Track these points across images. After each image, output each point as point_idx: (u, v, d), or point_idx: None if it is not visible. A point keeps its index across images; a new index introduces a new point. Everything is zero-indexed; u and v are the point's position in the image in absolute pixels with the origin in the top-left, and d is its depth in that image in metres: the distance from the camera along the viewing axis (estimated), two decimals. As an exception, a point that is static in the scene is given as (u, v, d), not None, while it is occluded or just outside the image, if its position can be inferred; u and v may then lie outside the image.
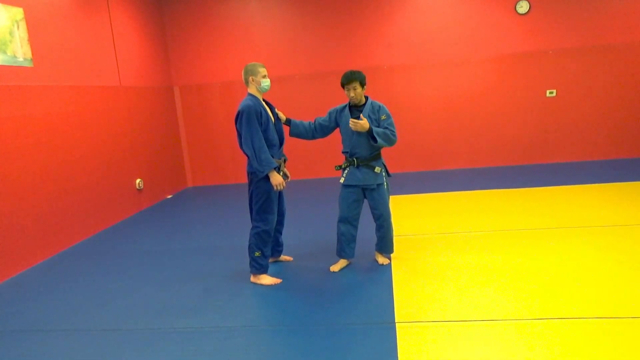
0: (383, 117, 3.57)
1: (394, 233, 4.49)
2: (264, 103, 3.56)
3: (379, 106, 3.60)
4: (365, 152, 3.56)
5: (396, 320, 2.88)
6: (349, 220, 3.72)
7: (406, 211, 5.27)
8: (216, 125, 7.85)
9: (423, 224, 4.76)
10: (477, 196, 5.65)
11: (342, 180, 3.69)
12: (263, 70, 3.52)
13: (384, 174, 3.66)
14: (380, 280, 3.51)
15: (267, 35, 7.51)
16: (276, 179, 3.42)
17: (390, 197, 5.85)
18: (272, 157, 3.48)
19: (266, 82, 3.53)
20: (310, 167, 7.67)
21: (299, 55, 7.49)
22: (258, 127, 3.37)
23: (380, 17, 7.26)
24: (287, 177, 3.72)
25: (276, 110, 3.73)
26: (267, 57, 7.33)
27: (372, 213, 3.76)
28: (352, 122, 3.42)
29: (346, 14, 7.31)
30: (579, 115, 7.16)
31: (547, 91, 7.14)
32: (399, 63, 7.34)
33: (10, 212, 4.27)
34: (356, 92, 3.51)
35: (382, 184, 3.65)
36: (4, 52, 4.30)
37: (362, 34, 7.33)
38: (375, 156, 3.61)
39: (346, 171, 3.66)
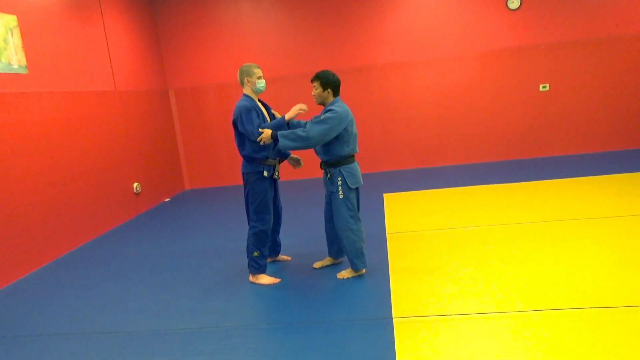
0: (322, 117, 3.30)
1: (391, 230, 4.55)
2: (259, 104, 3.59)
3: (330, 108, 3.34)
4: (322, 155, 3.48)
5: (393, 316, 2.92)
6: (327, 220, 3.73)
7: (402, 208, 5.31)
8: (212, 127, 7.87)
9: (419, 220, 4.80)
10: (472, 192, 5.69)
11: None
12: (258, 71, 3.55)
13: (339, 182, 3.42)
14: (377, 276, 3.55)
15: (261, 36, 7.54)
16: (265, 136, 3.29)
17: (386, 194, 5.94)
18: (267, 157, 3.53)
19: (261, 83, 3.56)
20: (309, 166, 7.67)
21: (292, 55, 7.51)
22: (253, 116, 3.39)
23: (372, 15, 7.29)
24: (279, 177, 3.75)
25: (272, 110, 3.76)
26: (260, 58, 7.36)
27: None
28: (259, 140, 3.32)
29: (339, 14, 7.34)
30: (572, 108, 7.20)
31: (540, 85, 7.18)
32: (392, 61, 7.37)
33: (9, 218, 4.29)
34: (316, 92, 3.43)
35: (335, 192, 3.44)
36: (-1, 60, 4.32)
37: (355, 33, 7.36)
38: (334, 162, 3.42)
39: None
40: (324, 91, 3.41)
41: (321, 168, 3.56)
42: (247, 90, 3.56)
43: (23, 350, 3.01)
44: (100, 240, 5.41)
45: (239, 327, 3.01)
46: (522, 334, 2.56)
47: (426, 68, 7.35)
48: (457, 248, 3.93)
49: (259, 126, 3.39)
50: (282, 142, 3.24)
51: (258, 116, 3.45)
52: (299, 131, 3.26)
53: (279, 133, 3.26)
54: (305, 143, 3.25)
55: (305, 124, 3.76)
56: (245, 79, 3.53)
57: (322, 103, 3.49)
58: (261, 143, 3.32)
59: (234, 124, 3.49)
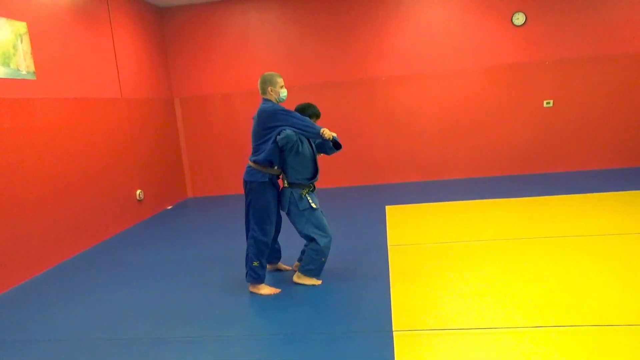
0: None
1: (393, 242, 4.54)
2: None
3: None
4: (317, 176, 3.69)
5: (394, 329, 2.90)
6: None
7: (404, 220, 5.30)
8: (216, 136, 7.91)
9: (421, 233, 4.79)
10: (474, 206, 5.69)
11: (314, 205, 3.59)
12: (281, 81, 3.56)
13: None
14: (377, 289, 3.53)
15: (266, 47, 7.60)
16: (326, 132, 3.38)
17: (388, 206, 5.97)
18: (274, 165, 3.54)
19: (284, 92, 3.58)
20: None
21: (297, 67, 7.57)
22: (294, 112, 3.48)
23: (378, 28, 7.35)
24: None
25: None
26: (265, 69, 7.39)
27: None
28: (326, 132, 3.40)
29: (344, 26, 7.40)
30: (576, 125, 7.21)
31: (544, 101, 7.20)
32: (396, 74, 7.42)
33: (12, 223, 4.31)
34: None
35: None
36: (8, 66, 4.37)
37: (360, 46, 7.42)
38: None
39: (309, 196, 3.61)
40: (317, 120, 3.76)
41: (314, 190, 3.70)
42: (269, 99, 3.56)
43: (22, 355, 3.01)
44: (102, 246, 5.42)
45: (239, 337, 3.00)
46: (524, 351, 2.55)
47: (430, 82, 7.39)
48: (459, 262, 3.92)
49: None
50: (340, 144, 3.60)
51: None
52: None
53: (335, 137, 3.50)
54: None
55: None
56: (269, 88, 3.53)
57: None
58: (325, 136, 3.38)
59: (270, 129, 3.42)
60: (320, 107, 7.54)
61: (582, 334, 2.67)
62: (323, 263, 3.69)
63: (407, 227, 5.06)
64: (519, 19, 7.03)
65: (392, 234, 4.82)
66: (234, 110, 7.78)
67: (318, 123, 3.63)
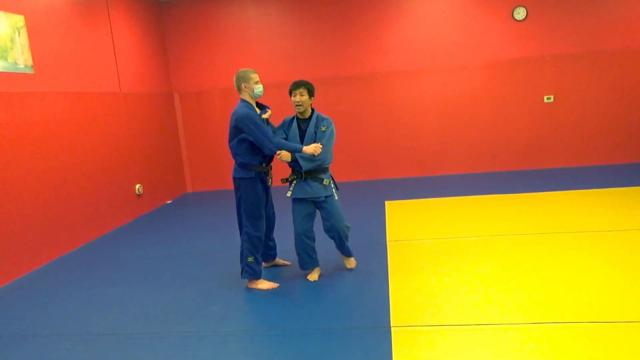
0: (322, 129, 3.55)
1: (392, 238, 4.54)
2: (257, 109, 3.58)
3: (323, 118, 3.60)
4: (312, 164, 3.53)
5: (392, 325, 2.90)
6: (305, 235, 3.65)
7: (403, 216, 5.30)
8: (215, 130, 7.88)
9: (420, 228, 4.78)
10: (474, 201, 5.67)
11: (289, 194, 3.60)
12: (255, 76, 3.52)
13: (332, 185, 3.64)
14: (376, 284, 3.53)
15: (265, 42, 7.57)
16: (285, 156, 3.45)
17: (388, 202, 5.95)
18: (262, 163, 3.56)
19: (259, 88, 3.54)
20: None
21: (297, 61, 7.53)
22: (263, 125, 3.43)
23: (378, 23, 7.31)
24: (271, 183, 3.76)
25: (268, 109, 3.71)
26: (265, 64, 7.39)
27: (323, 225, 3.70)
28: (282, 155, 3.44)
29: (344, 21, 7.36)
30: (576, 120, 7.19)
31: (545, 97, 7.17)
32: (396, 69, 7.38)
33: (11, 217, 4.30)
34: (302, 98, 3.49)
35: (332, 195, 3.61)
36: (5, 59, 4.34)
37: (360, 41, 7.38)
38: (324, 169, 3.60)
39: (293, 184, 3.60)
40: (309, 99, 3.54)
41: (306, 179, 3.56)
42: (245, 96, 3.54)
43: (20, 350, 3.01)
44: (101, 241, 5.41)
45: (237, 332, 3.00)
46: (522, 347, 2.54)
47: (430, 77, 7.35)
48: (458, 258, 3.91)
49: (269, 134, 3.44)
50: (302, 163, 3.47)
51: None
52: (311, 155, 3.46)
53: (298, 155, 3.46)
54: (319, 162, 3.52)
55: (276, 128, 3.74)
56: (243, 84, 3.51)
57: (303, 112, 3.57)
58: (280, 159, 3.44)
59: (239, 130, 3.45)
60: (319, 102, 7.55)
61: (581, 331, 2.66)
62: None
63: (407, 222, 5.05)
64: (520, 13, 6.99)
65: (391, 230, 4.81)
66: (233, 105, 7.64)
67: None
